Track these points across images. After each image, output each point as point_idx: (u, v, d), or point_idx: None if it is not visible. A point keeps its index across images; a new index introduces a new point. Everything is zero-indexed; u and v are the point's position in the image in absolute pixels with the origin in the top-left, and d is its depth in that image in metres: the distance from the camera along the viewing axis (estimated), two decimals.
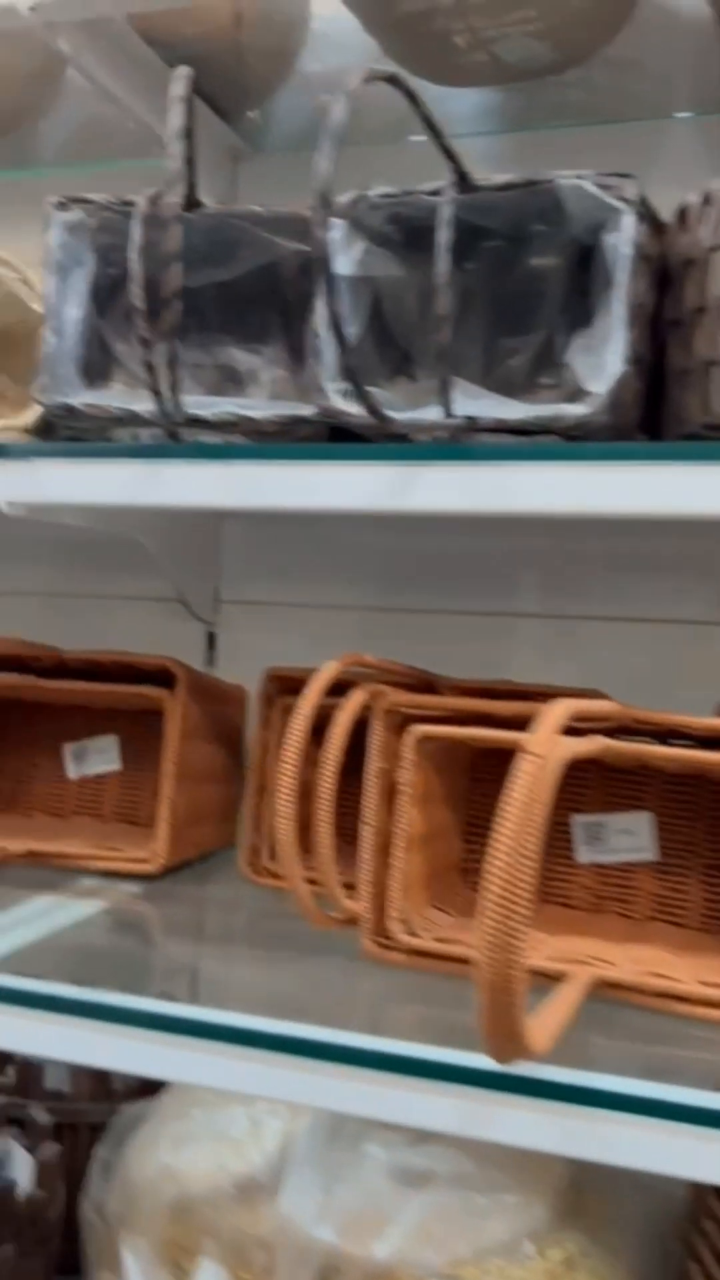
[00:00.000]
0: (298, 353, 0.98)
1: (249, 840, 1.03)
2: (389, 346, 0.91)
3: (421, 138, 1.22)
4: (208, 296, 0.97)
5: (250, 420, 0.85)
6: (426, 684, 0.97)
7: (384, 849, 0.83)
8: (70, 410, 0.84)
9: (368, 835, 0.82)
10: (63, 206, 0.85)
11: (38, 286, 0.94)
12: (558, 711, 0.60)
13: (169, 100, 0.65)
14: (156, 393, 0.80)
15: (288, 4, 1.05)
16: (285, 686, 1.04)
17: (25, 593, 1.29)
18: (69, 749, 1.18)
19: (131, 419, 0.84)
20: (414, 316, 0.90)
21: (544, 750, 0.58)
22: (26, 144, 1.28)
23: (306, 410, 0.84)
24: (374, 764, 0.82)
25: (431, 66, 1.03)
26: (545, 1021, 0.63)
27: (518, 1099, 0.63)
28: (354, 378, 0.66)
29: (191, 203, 0.86)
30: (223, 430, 0.86)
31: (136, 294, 0.78)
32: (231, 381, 0.99)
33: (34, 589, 1.29)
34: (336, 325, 0.68)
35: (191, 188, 0.85)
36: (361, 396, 0.68)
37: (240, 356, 0.97)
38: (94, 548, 1.25)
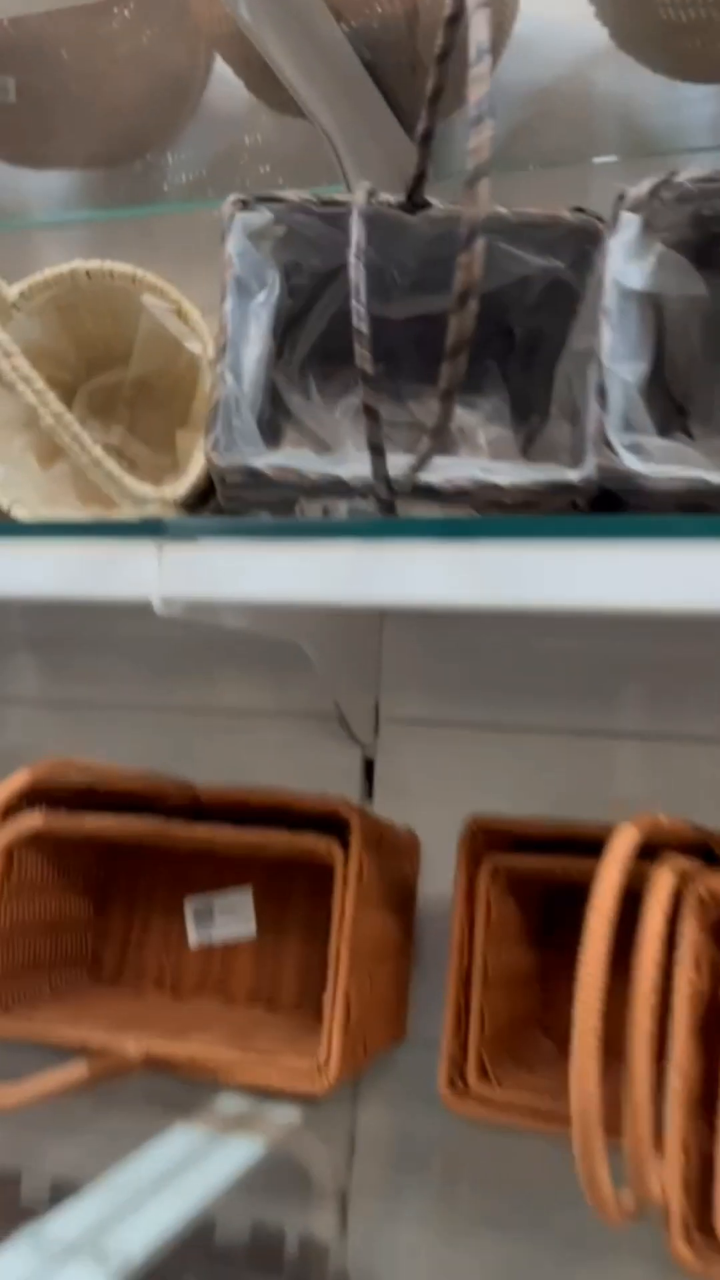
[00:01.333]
0: (523, 405, 0.76)
1: (449, 1050, 0.76)
2: (659, 393, 0.68)
3: (607, 158, 1.03)
4: (406, 333, 0.75)
5: (493, 488, 0.62)
6: (700, 843, 0.72)
7: (701, 1107, 0.57)
8: (254, 475, 0.61)
9: (679, 1087, 0.56)
10: (245, 206, 0.64)
11: (195, 321, 0.73)
12: None
13: (472, 8, 0.44)
14: (377, 450, 0.58)
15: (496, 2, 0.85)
16: (494, 840, 0.79)
17: (135, 706, 1.05)
18: (190, 906, 0.94)
19: (335, 487, 0.62)
20: (697, 352, 0.68)
21: None
22: (148, 177, 1.09)
23: (573, 474, 0.61)
24: (686, 982, 0.57)
25: (676, 58, 0.83)
26: None
27: None
28: None
29: (415, 201, 0.65)
30: (451, 502, 0.63)
31: (360, 313, 0.56)
32: None
33: (144, 701, 1.06)
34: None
35: (420, 180, 0.63)
36: None
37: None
38: (222, 652, 1.02)
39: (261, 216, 0.65)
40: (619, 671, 0.93)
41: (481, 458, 0.73)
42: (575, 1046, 0.51)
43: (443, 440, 0.52)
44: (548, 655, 0.94)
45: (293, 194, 0.65)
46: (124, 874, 0.95)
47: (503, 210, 0.66)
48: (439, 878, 0.94)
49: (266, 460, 0.62)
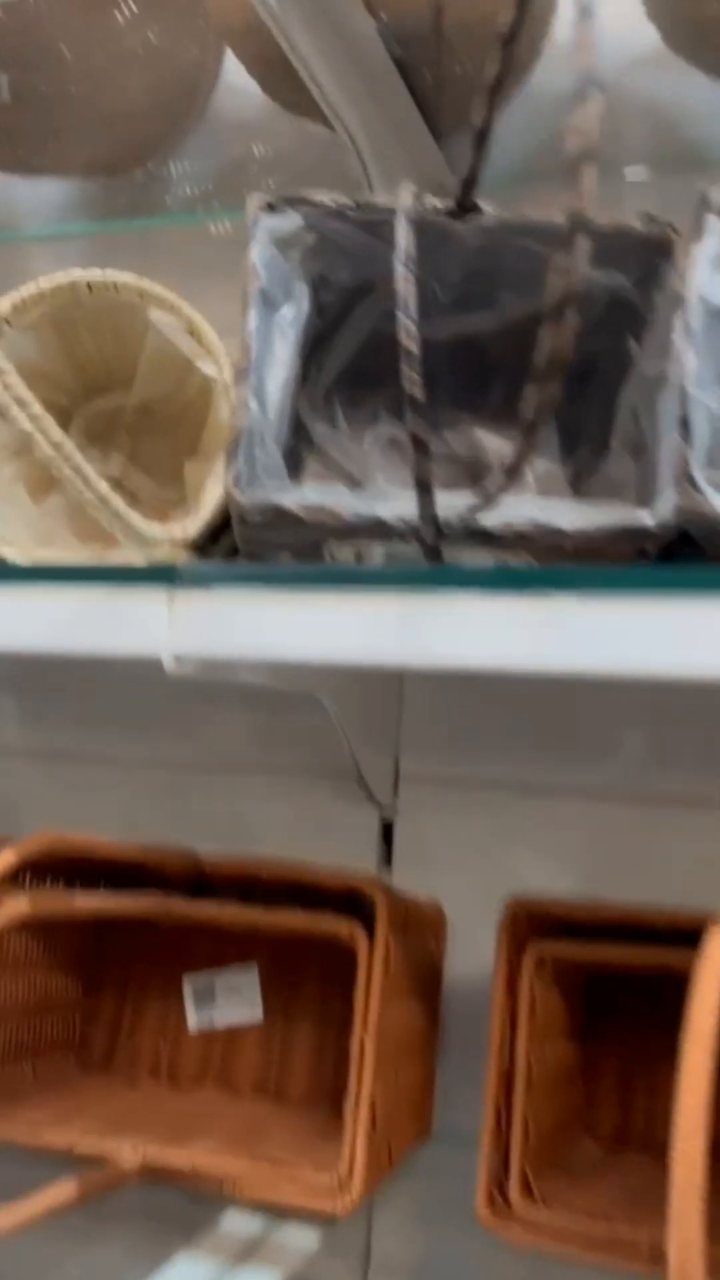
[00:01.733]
0: (572, 437, 0.68)
1: (489, 1163, 0.67)
2: None
3: (639, 168, 0.97)
4: (441, 355, 0.67)
5: (555, 533, 0.54)
6: None
7: None
8: (281, 514, 0.53)
9: None
10: (272, 209, 0.56)
11: (210, 341, 0.65)
12: None
13: None
14: (425, 488, 0.50)
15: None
16: (537, 924, 0.70)
17: (130, 758, 0.96)
18: (190, 986, 0.85)
19: (373, 529, 0.54)
20: None
21: None
22: (149, 188, 1.02)
23: (647, 516, 0.53)
24: None
25: None
26: None
27: None
28: None
29: (464, 205, 0.57)
30: (507, 548, 0.55)
31: (409, 330, 0.49)
32: (472, 476, 0.69)
33: (140, 753, 0.97)
34: None
35: (469, 184, 0.56)
36: None
37: (491, 442, 0.68)
38: (227, 701, 0.94)
39: (290, 221, 0.57)
40: (656, 729, 0.85)
41: (529, 495, 0.66)
42: (675, 1205, 0.42)
43: (518, 478, 0.44)
44: (579, 711, 0.86)
45: (325, 196, 0.58)
46: (117, 949, 0.86)
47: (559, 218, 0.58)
48: (465, 951, 0.85)
49: (295, 497, 0.54)
